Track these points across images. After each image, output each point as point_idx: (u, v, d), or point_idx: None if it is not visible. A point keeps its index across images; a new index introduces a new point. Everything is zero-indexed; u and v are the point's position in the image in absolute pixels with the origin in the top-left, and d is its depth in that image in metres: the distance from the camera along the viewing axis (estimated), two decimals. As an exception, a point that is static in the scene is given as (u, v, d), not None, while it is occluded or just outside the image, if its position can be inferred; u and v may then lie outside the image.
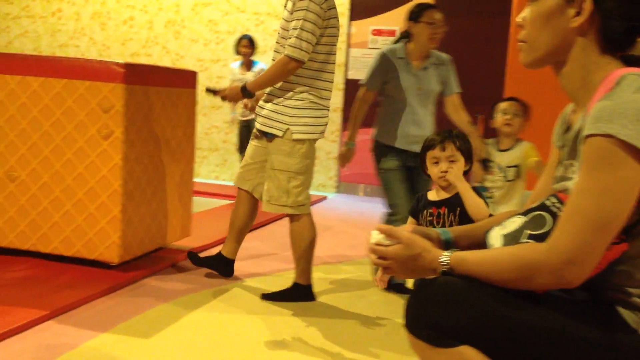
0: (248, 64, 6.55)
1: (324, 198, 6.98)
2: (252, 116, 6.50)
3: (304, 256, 3.44)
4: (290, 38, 3.24)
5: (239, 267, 3.94)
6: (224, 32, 7.58)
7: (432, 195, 2.44)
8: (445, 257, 1.36)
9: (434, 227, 2.28)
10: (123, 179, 3.52)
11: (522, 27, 1.45)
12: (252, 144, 3.56)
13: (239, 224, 3.64)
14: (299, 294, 3.44)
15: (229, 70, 6.92)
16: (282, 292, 3.45)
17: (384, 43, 7.15)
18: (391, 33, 7.16)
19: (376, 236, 1.44)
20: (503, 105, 3.53)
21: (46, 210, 3.60)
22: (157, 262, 3.85)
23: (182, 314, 3.11)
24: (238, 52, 6.58)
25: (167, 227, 4.00)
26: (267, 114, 3.38)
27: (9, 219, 3.65)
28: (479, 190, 2.40)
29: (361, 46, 7.25)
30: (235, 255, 3.72)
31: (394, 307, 3.42)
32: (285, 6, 3.40)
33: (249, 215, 3.64)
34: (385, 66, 3.67)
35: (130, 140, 3.56)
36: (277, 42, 3.40)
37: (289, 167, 3.35)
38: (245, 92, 3.44)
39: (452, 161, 2.34)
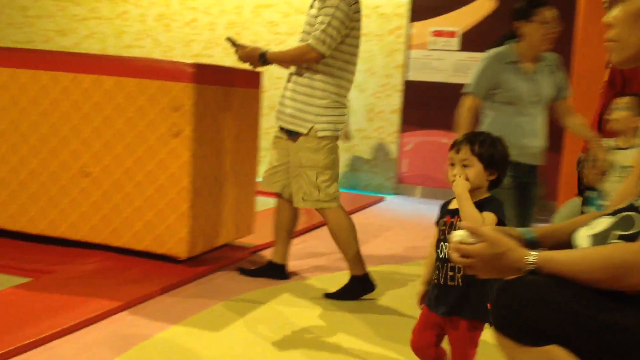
0: None
1: (382, 199, 6.98)
2: None
3: (351, 246, 3.49)
4: (316, 30, 3.33)
5: (299, 265, 3.98)
6: (284, 33, 7.66)
7: (453, 203, 2.22)
8: (532, 256, 1.36)
9: (444, 239, 2.11)
10: (192, 176, 3.60)
11: (611, 26, 1.43)
12: (273, 150, 3.63)
13: (285, 228, 3.70)
14: (359, 286, 3.48)
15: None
16: (343, 289, 3.48)
17: (444, 44, 7.11)
18: (451, 34, 7.11)
19: (460, 234, 1.44)
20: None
21: (118, 206, 3.72)
22: (223, 258, 3.92)
23: (248, 309, 3.17)
24: None
25: (232, 224, 4.08)
26: (292, 113, 3.45)
27: (82, 214, 3.78)
28: (496, 203, 2.12)
29: (421, 47, 7.22)
30: (286, 260, 3.76)
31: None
32: (311, 6, 3.49)
33: (291, 218, 3.70)
34: (494, 71, 3.35)
35: (199, 138, 3.64)
36: (301, 40, 3.47)
37: (316, 162, 3.43)
38: (263, 59, 3.50)
39: (465, 166, 2.11)
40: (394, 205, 6.74)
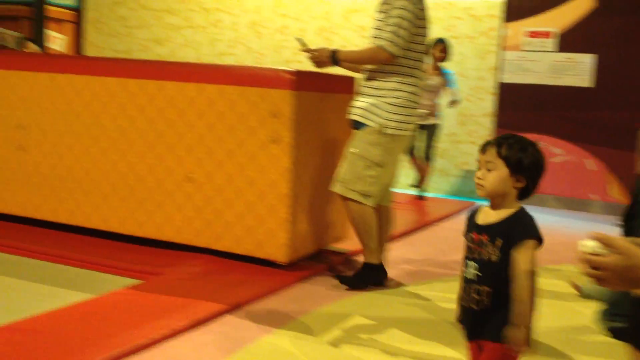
0: (437, 69, 6.47)
1: (472, 204, 6.86)
2: (435, 120, 6.51)
3: (372, 238, 3.58)
4: (385, 32, 3.39)
5: (394, 272, 3.97)
6: (374, 37, 7.67)
7: (482, 214, 1.98)
8: None
9: (471, 258, 1.92)
10: (291, 182, 3.66)
11: None
12: None
13: (378, 232, 3.70)
14: (372, 273, 3.62)
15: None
16: (357, 275, 3.62)
17: (540, 45, 6.92)
18: (546, 34, 6.92)
19: (591, 245, 1.40)
20: None
21: (220, 211, 3.82)
22: (320, 263, 3.97)
23: (346, 314, 3.19)
24: (433, 57, 6.42)
25: (328, 229, 4.11)
26: (364, 106, 3.51)
27: (187, 218, 3.91)
28: (524, 224, 1.87)
29: (514, 49, 7.05)
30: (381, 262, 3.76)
31: (579, 317, 3.29)
32: (379, 9, 3.53)
33: (383, 222, 3.72)
34: None
35: (298, 144, 3.70)
36: (370, 43, 3.52)
37: (370, 155, 3.50)
38: (335, 58, 3.57)
39: (490, 169, 1.91)
40: (486, 210, 6.61)
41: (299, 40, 3.70)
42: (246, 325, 2.97)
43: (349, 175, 3.53)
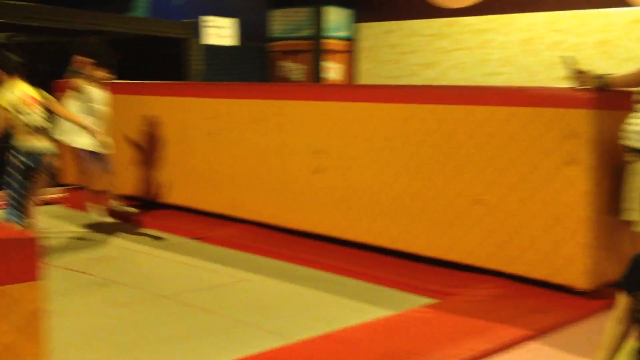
0: None
1: None
2: None
3: None
4: None
5: None
6: (663, 47, 7.02)
7: None
8: None
9: None
10: (591, 206, 3.48)
11: None
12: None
13: None
14: None
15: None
16: None
17: None
18: None
19: None
20: None
21: (512, 234, 3.76)
22: (622, 292, 3.70)
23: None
24: None
25: (630, 255, 3.82)
26: None
27: (476, 240, 3.91)
28: None
29: None
30: None
31: None
32: None
33: None
34: None
35: (598, 166, 3.51)
36: None
37: None
38: (601, 81, 3.37)
39: None
40: None
41: (568, 59, 3.50)
42: (553, 354, 2.88)
43: None
